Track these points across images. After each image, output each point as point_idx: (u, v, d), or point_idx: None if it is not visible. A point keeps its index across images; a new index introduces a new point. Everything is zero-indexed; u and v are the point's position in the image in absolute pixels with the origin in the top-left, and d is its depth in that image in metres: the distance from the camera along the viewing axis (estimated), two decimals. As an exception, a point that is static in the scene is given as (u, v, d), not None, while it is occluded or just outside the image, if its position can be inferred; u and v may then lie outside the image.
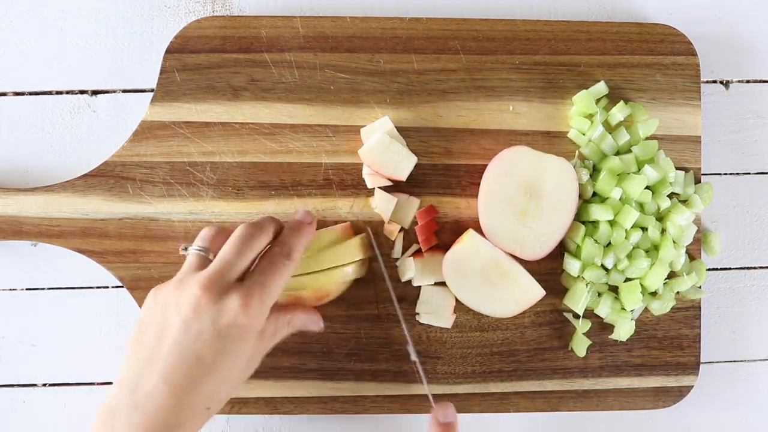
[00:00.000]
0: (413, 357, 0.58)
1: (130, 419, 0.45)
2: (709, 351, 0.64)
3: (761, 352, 0.65)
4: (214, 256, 0.49)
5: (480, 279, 0.57)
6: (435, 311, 0.60)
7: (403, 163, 0.58)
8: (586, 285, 0.59)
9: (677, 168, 0.61)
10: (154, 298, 0.49)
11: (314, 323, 0.55)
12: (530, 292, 0.57)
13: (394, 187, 0.60)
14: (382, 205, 0.59)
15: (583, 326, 0.60)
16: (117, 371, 0.47)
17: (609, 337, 0.60)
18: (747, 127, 0.65)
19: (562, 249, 0.60)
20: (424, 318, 0.60)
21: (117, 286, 0.61)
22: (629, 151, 0.60)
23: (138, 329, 0.48)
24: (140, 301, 0.59)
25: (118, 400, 0.46)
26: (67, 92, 0.62)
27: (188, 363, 0.46)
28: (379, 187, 0.59)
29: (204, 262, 0.50)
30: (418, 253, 0.60)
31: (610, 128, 0.61)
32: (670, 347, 0.62)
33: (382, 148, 0.58)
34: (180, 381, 0.45)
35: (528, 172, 0.57)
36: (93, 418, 0.46)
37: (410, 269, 0.59)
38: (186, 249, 0.51)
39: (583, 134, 0.60)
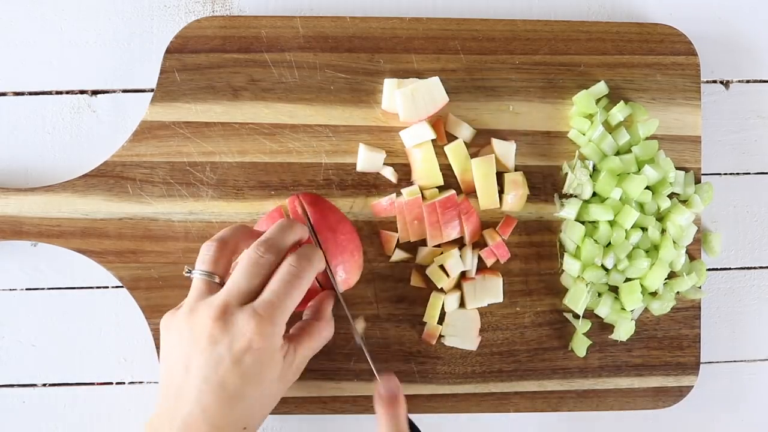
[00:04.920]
0: (358, 340, 0.56)
1: None
2: (709, 351, 0.64)
3: (761, 352, 0.65)
4: (219, 278, 0.50)
5: None
6: (461, 334, 0.59)
7: (434, 91, 0.58)
8: (586, 285, 0.59)
9: (677, 168, 0.61)
10: (167, 329, 0.49)
11: (323, 339, 0.54)
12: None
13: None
14: (502, 150, 0.59)
15: (583, 326, 0.60)
16: (157, 398, 0.49)
17: (609, 337, 0.60)
18: (747, 127, 0.65)
19: (562, 249, 0.60)
20: (449, 341, 0.59)
21: (117, 286, 0.61)
22: (629, 151, 0.60)
23: (164, 363, 0.49)
24: (140, 301, 0.59)
25: (161, 423, 0.48)
26: (67, 92, 0.62)
27: (214, 391, 0.47)
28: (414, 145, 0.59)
29: (210, 286, 0.49)
30: (466, 276, 0.60)
31: (610, 128, 0.61)
32: (670, 347, 0.61)
33: (411, 101, 0.58)
34: (210, 407, 0.47)
35: None
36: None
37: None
38: (190, 272, 0.50)
39: (583, 134, 0.60)
